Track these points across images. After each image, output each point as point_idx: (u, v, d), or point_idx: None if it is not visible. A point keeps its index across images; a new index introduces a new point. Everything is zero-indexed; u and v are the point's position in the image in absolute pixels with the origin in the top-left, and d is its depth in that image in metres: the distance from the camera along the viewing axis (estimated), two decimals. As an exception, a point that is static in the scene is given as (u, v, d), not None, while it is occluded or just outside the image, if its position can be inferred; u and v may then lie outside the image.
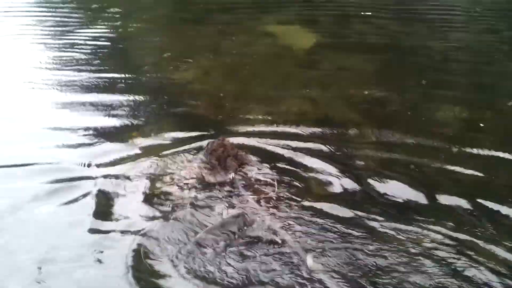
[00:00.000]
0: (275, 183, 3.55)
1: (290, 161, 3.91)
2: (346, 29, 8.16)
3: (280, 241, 2.95)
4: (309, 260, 2.62)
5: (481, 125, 4.69)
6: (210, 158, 3.77)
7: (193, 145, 4.14)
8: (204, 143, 4.07)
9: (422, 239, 3.05)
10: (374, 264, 2.83)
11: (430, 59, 6.74)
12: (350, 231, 3.10)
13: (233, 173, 3.63)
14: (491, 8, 9.67)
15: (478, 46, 7.44)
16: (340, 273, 2.75)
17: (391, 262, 2.84)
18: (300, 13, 9.24)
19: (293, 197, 3.45)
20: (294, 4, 9.92)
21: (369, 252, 2.91)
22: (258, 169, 3.78)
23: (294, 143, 4.17)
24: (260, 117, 4.78)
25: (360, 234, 3.07)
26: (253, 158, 3.92)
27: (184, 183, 3.56)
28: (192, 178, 3.61)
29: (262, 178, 3.65)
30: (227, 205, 3.35)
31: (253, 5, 9.75)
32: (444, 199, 3.47)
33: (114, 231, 3.15)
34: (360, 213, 3.28)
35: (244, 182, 3.58)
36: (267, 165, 3.84)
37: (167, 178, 3.64)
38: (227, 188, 3.54)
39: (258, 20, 8.63)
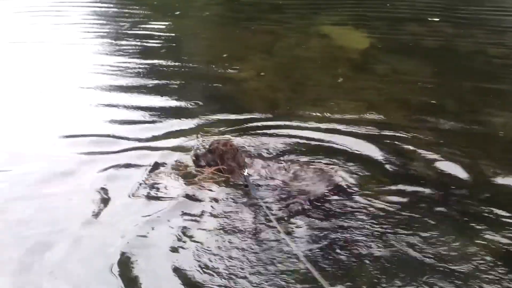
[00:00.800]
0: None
1: (341, 163, 3.90)
2: (400, 31, 8.03)
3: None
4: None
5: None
6: (227, 161, 3.73)
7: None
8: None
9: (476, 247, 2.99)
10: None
11: (487, 63, 6.58)
12: (395, 233, 3.10)
13: (245, 169, 3.69)
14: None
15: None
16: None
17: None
18: (352, 14, 9.16)
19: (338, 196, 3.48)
20: (345, 5, 9.85)
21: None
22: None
23: (346, 146, 4.18)
24: (313, 118, 4.80)
25: (410, 240, 3.04)
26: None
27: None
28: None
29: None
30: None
31: (306, 5, 9.78)
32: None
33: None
34: (410, 217, 3.25)
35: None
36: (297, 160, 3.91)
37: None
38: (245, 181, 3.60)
39: (311, 21, 8.65)
